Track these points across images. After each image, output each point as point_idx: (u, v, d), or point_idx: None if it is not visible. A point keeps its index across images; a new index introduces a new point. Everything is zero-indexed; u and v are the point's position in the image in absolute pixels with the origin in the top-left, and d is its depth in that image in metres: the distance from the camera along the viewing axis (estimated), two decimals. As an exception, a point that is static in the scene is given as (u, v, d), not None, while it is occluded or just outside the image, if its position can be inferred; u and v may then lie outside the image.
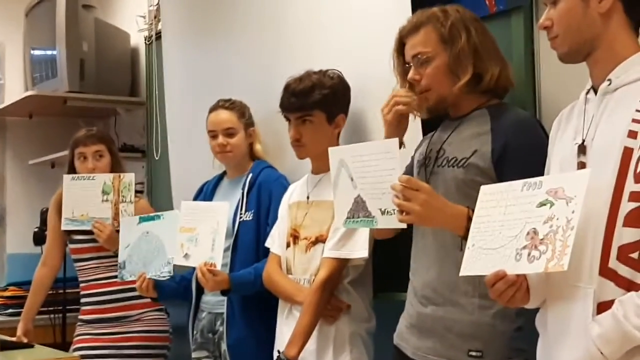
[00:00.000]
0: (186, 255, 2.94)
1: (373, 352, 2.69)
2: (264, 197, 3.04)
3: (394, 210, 2.02)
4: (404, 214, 1.98)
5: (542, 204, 1.69)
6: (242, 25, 3.61)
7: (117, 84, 4.86)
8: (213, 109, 3.17)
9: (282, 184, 3.05)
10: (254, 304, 2.97)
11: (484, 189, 1.87)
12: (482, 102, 2.24)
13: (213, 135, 3.14)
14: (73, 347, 3.67)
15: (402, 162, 2.16)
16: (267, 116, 3.25)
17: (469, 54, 2.19)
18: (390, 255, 2.56)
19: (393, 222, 2.05)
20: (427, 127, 2.46)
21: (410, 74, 2.25)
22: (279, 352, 2.57)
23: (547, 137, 2.01)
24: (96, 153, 3.62)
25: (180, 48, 4.16)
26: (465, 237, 1.98)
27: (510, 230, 1.73)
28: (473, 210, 1.96)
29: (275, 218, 2.94)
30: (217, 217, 2.87)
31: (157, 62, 4.44)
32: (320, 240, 2.65)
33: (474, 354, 2.11)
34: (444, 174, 2.18)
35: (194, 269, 3.09)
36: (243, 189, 3.07)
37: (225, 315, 3.00)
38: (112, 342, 3.59)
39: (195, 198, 3.34)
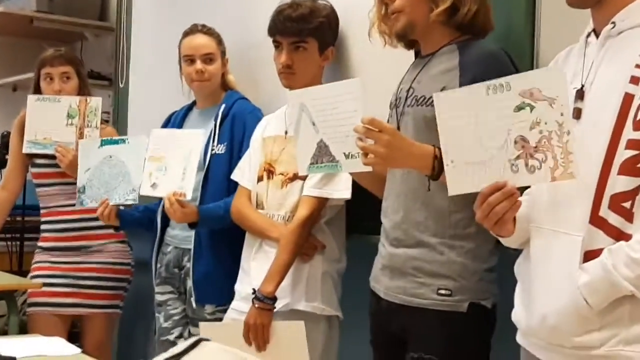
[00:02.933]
0: (154, 185, 2.87)
1: (341, 293, 2.67)
2: (237, 129, 2.96)
3: (358, 153, 1.95)
4: (368, 156, 1.91)
5: (519, 108, 1.63)
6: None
7: (86, 7, 4.72)
8: (189, 33, 3.07)
9: (257, 116, 2.97)
10: (222, 239, 2.92)
11: (438, 96, 1.79)
12: (453, 38, 2.17)
13: (190, 60, 3.04)
14: (31, 274, 3.60)
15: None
16: (241, 48, 3.20)
17: None
18: (364, 196, 2.50)
19: (358, 166, 1.98)
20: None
21: None
22: (254, 289, 2.51)
23: (517, 70, 1.97)
24: (63, 74, 3.51)
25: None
26: (432, 177, 1.97)
27: (492, 140, 1.67)
28: (439, 148, 1.91)
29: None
30: (189, 145, 2.79)
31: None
32: (298, 177, 2.58)
33: (443, 292, 2.09)
34: (414, 113, 2.13)
35: (159, 200, 3.05)
36: (215, 120, 2.99)
37: (192, 252, 2.94)
38: (71, 272, 3.52)
39: (164, 127, 3.25)
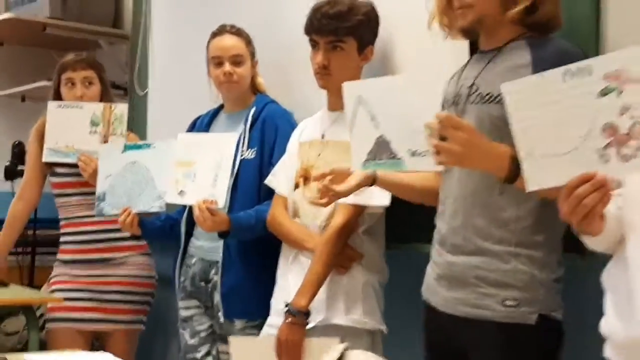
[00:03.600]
0: (181, 193, 2.71)
1: (384, 306, 2.51)
2: (268, 133, 2.81)
3: (426, 151, 1.81)
4: (441, 154, 1.76)
5: (604, 93, 1.48)
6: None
7: (100, 14, 4.57)
8: (217, 34, 2.92)
9: (289, 121, 2.84)
10: (252, 250, 2.77)
11: (507, 87, 1.64)
12: (520, 34, 2.04)
13: (218, 62, 2.88)
14: (50, 288, 3.43)
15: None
16: (272, 51, 3.05)
17: None
18: (404, 201, 2.35)
19: (426, 164, 1.84)
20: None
21: None
22: (286, 304, 2.36)
23: None
24: (85, 79, 3.37)
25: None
26: (507, 180, 1.81)
27: (573, 129, 1.52)
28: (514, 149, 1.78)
29: (280, 157, 2.73)
30: (222, 149, 2.63)
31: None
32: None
33: (510, 303, 1.94)
34: (478, 111, 1.98)
35: (182, 208, 2.91)
36: (245, 124, 2.84)
37: (220, 264, 2.77)
38: (93, 286, 3.37)
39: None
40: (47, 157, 3.31)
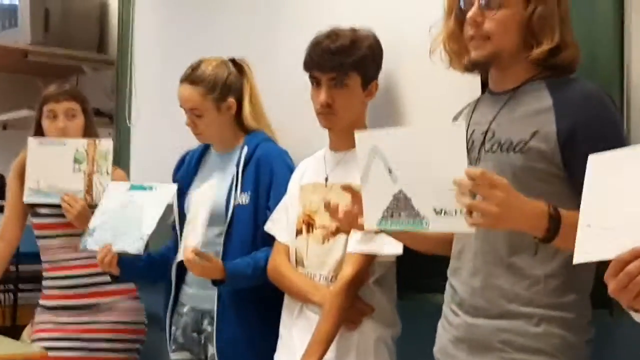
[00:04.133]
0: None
1: (396, 360, 2.31)
2: (263, 176, 2.58)
3: (457, 210, 1.60)
4: (474, 215, 1.57)
5: None
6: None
7: (83, 39, 4.37)
8: (180, 81, 2.67)
9: (285, 161, 2.63)
10: (248, 298, 2.55)
11: (594, 158, 1.46)
12: (534, 74, 1.86)
13: (184, 111, 2.68)
14: (32, 336, 3.20)
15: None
16: (264, 83, 2.81)
17: (557, 18, 1.82)
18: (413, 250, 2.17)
19: (455, 225, 1.62)
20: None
21: (472, 13, 1.83)
22: None
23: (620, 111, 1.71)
24: (68, 111, 3.14)
25: (157, 7, 3.73)
26: (544, 240, 1.63)
27: None
28: (551, 206, 1.62)
29: (277, 201, 2.53)
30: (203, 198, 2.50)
31: (132, 16, 3.97)
32: (342, 231, 2.24)
33: None
34: (497, 160, 1.79)
35: (166, 248, 2.77)
36: (237, 166, 2.61)
37: (215, 313, 2.56)
38: (79, 334, 3.13)
39: (177, 170, 2.89)
40: (27, 198, 3.09)
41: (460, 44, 1.92)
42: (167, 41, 3.66)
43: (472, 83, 2.12)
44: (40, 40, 4.10)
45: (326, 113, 2.28)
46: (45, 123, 3.14)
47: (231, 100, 2.65)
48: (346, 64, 2.24)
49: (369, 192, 1.80)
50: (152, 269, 2.78)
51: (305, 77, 2.36)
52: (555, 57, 1.83)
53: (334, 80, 2.26)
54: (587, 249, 1.40)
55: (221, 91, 2.63)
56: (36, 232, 3.24)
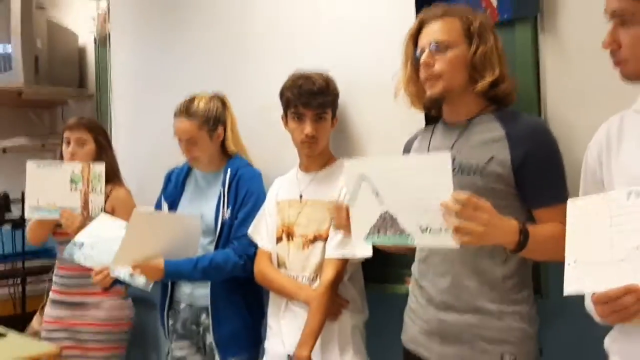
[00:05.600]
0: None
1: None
2: (240, 193, 2.30)
3: (441, 228, 1.40)
4: (459, 233, 1.37)
5: None
6: (199, 23, 2.86)
7: (66, 78, 3.92)
8: (176, 115, 2.36)
9: (259, 182, 2.34)
10: (237, 292, 2.28)
11: (573, 202, 1.30)
12: (483, 108, 1.68)
13: (179, 140, 2.37)
14: (42, 326, 2.89)
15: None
16: (240, 110, 2.51)
17: (496, 55, 1.63)
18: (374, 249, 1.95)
19: (440, 241, 1.41)
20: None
21: (424, 57, 1.65)
22: (289, 355, 1.92)
23: None
24: (79, 140, 2.79)
25: (130, 47, 3.35)
26: (515, 251, 1.43)
27: (626, 241, 1.19)
28: (520, 222, 1.44)
29: (249, 212, 2.25)
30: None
31: (108, 59, 3.57)
32: (319, 238, 2.01)
33: (508, 358, 1.57)
34: (459, 181, 1.58)
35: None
36: (223, 186, 2.33)
37: (209, 309, 2.28)
38: (71, 326, 2.80)
39: (165, 186, 2.55)
40: (29, 214, 2.69)
41: (418, 87, 1.72)
42: (142, 74, 3.29)
43: (415, 115, 1.90)
44: (31, 80, 3.64)
45: (311, 142, 2.04)
46: (63, 147, 2.84)
47: (220, 129, 2.38)
48: (327, 102, 2.03)
49: (357, 212, 1.57)
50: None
51: (270, 109, 2.10)
52: (496, 88, 1.65)
53: (317, 115, 2.03)
54: (575, 281, 1.23)
55: (213, 123, 2.35)
56: (53, 236, 2.87)
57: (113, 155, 2.91)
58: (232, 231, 2.25)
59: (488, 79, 1.62)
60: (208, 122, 2.34)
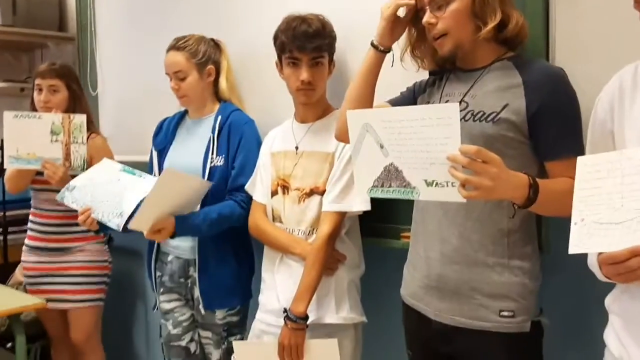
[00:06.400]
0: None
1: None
2: (233, 140, 2.23)
3: (447, 182, 1.34)
4: (466, 187, 1.31)
5: None
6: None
7: (46, 20, 3.77)
8: (167, 50, 2.29)
9: (252, 128, 2.27)
10: (225, 245, 2.23)
11: (582, 160, 1.24)
12: (500, 54, 1.60)
13: (169, 77, 2.28)
14: (21, 271, 2.90)
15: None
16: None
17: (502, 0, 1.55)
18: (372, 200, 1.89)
19: (446, 195, 1.35)
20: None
21: (426, 18, 1.57)
22: (285, 309, 1.87)
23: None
24: (51, 87, 2.70)
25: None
26: (524, 206, 1.38)
27: (637, 202, 1.14)
28: (530, 177, 1.38)
29: (245, 160, 2.18)
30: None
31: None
32: (315, 192, 1.94)
33: (506, 314, 1.54)
34: (470, 128, 1.52)
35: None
36: (213, 132, 2.25)
37: (197, 262, 2.22)
38: (54, 271, 2.78)
39: (156, 135, 2.46)
40: (8, 164, 2.60)
41: (424, 49, 1.66)
42: (127, 16, 3.14)
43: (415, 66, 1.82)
44: (9, 22, 3.50)
45: (307, 89, 1.94)
46: (34, 95, 2.74)
47: (211, 67, 2.30)
48: (323, 46, 1.92)
49: (360, 163, 1.50)
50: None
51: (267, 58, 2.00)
52: (502, 31, 1.57)
53: (313, 60, 1.93)
54: (582, 241, 1.19)
55: (202, 57, 2.27)
56: (31, 185, 2.81)
57: (87, 103, 2.83)
58: (230, 180, 2.19)
59: (491, 24, 1.53)
60: (197, 55, 2.27)
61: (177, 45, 2.27)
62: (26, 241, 2.87)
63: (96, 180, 2.30)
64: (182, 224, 2.10)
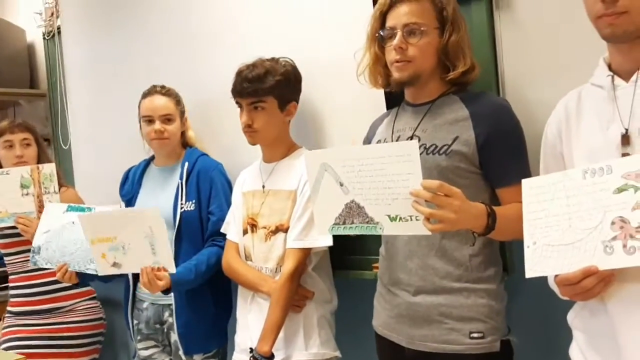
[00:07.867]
0: (116, 264, 2.08)
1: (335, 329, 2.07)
2: (203, 185, 2.26)
3: (411, 216, 1.39)
4: (431, 221, 1.37)
5: (621, 190, 1.16)
6: (156, 12, 2.78)
7: (16, 78, 3.82)
8: (148, 94, 2.34)
9: (221, 172, 2.32)
10: (202, 291, 2.23)
11: (527, 182, 1.31)
12: (446, 89, 1.67)
13: (149, 120, 2.31)
14: (1, 339, 2.73)
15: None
16: (195, 104, 2.49)
17: (467, 44, 1.63)
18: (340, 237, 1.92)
19: (410, 229, 1.40)
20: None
21: (398, 41, 1.61)
22: (251, 348, 1.88)
23: None
24: (23, 141, 2.71)
25: (82, 41, 3.24)
26: (483, 234, 1.44)
27: (583, 222, 1.19)
28: (487, 206, 1.44)
29: (219, 206, 2.23)
30: (147, 223, 2.00)
31: (58, 55, 3.48)
32: (280, 229, 1.97)
33: (476, 335, 1.57)
34: (423, 161, 1.54)
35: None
36: (181, 178, 2.29)
37: (174, 307, 2.23)
38: (45, 333, 2.70)
39: (123, 185, 2.49)
40: None
41: (383, 67, 1.70)
42: (95, 69, 3.20)
43: (377, 97, 1.90)
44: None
45: (249, 132, 2.00)
46: (2, 153, 2.71)
47: (186, 117, 2.39)
48: (260, 90, 1.95)
49: (320, 202, 1.54)
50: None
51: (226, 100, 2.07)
52: (466, 76, 1.64)
53: (252, 104, 1.98)
54: (536, 264, 1.24)
55: (183, 107, 2.37)
56: (2, 251, 2.76)
57: (51, 155, 2.84)
58: (210, 225, 2.21)
59: (460, 69, 1.61)
60: (180, 103, 2.36)
61: (162, 91, 2.33)
62: (8, 308, 2.78)
63: (53, 231, 2.30)
64: (175, 281, 2.07)
